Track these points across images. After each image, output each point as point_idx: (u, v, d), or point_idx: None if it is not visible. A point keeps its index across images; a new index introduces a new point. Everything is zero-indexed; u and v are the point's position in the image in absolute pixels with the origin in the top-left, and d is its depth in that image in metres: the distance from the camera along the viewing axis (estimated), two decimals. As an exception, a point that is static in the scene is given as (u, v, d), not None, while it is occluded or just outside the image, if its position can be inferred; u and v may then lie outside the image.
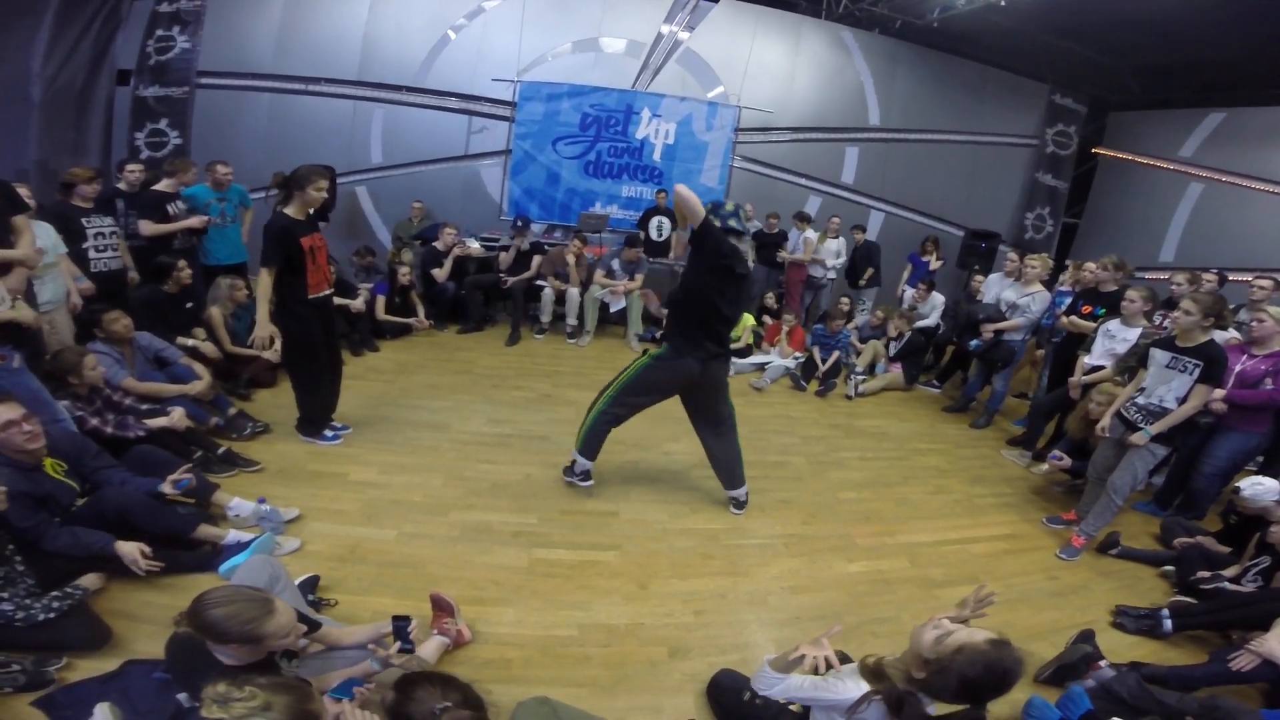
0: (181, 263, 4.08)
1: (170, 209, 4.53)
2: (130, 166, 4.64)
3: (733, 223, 2.98)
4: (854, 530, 3.47)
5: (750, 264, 3.17)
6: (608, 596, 2.70)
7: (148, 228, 4.41)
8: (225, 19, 6.72)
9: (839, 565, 3.13)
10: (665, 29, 7.31)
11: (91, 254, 4.05)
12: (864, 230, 7.47)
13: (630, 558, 2.98)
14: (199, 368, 3.66)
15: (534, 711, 1.84)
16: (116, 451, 2.77)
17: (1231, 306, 4.54)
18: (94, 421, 2.88)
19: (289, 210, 3.22)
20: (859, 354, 6.14)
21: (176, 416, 3.08)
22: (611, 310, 6.39)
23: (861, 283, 7.24)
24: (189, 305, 4.21)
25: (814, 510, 3.63)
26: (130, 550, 2.26)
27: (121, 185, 4.56)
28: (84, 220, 4.01)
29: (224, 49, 6.76)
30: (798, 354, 6.10)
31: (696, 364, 3.07)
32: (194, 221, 4.57)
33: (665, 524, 3.30)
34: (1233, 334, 3.86)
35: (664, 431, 4.20)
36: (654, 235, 7.25)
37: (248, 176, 5.94)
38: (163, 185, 4.59)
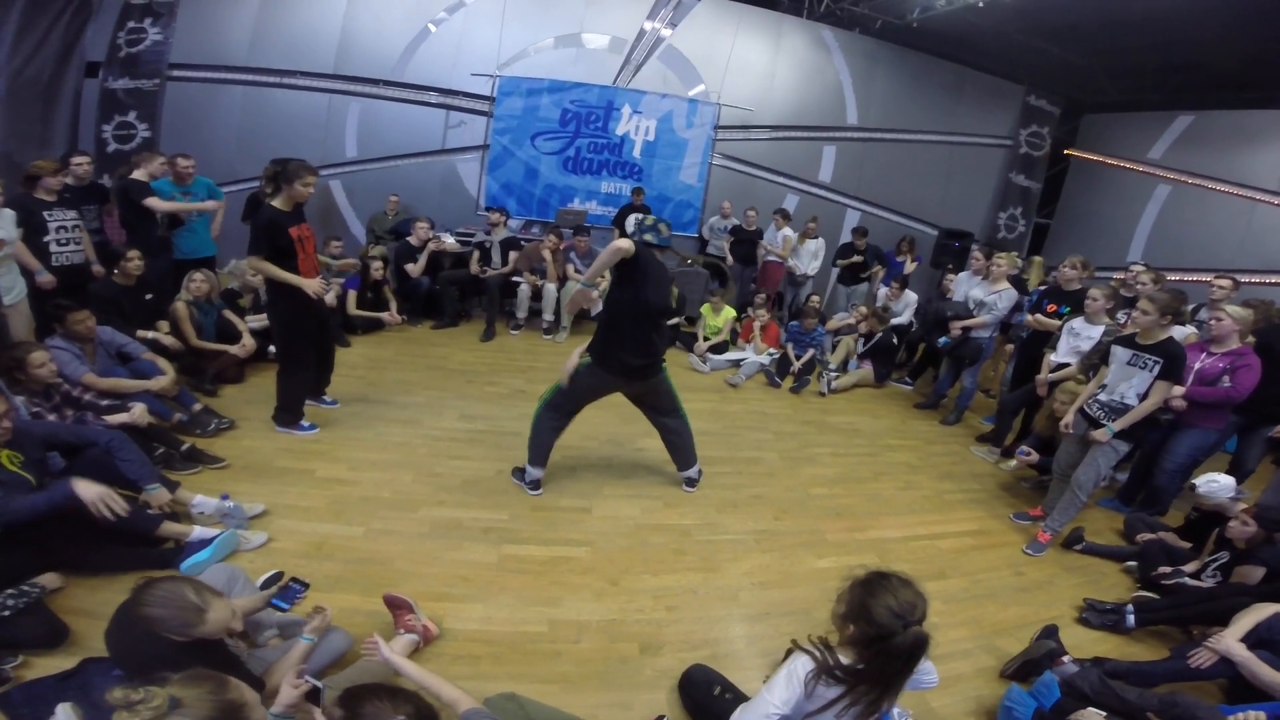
0: (132, 253, 3.99)
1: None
2: (77, 159, 4.51)
3: (649, 236, 3.13)
4: (825, 526, 3.50)
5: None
6: (579, 592, 2.69)
7: (157, 202, 4.46)
8: (199, 11, 6.58)
9: (809, 561, 3.15)
10: (648, 25, 7.30)
11: (53, 247, 3.99)
12: (864, 234, 7.56)
13: (602, 554, 2.98)
14: (163, 363, 3.59)
15: (502, 708, 1.82)
16: (75, 449, 2.70)
17: (1192, 306, 4.65)
18: (51, 418, 2.81)
19: (276, 203, 3.32)
20: (833, 350, 6.20)
21: (137, 412, 3.01)
22: (592, 315, 6.39)
23: (868, 276, 7.36)
24: (148, 297, 4.13)
25: (786, 506, 3.65)
26: (91, 492, 2.17)
27: (69, 180, 4.42)
28: (46, 213, 3.95)
29: (197, 41, 6.63)
30: (772, 350, 6.14)
31: (617, 376, 3.18)
32: (209, 205, 4.75)
33: (638, 519, 3.30)
34: (1190, 330, 3.95)
35: (637, 428, 4.17)
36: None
37: (220, 170, 5.86)
38: (137, 175, 4.57)
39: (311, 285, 3.38)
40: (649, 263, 3.02)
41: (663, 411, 3.49)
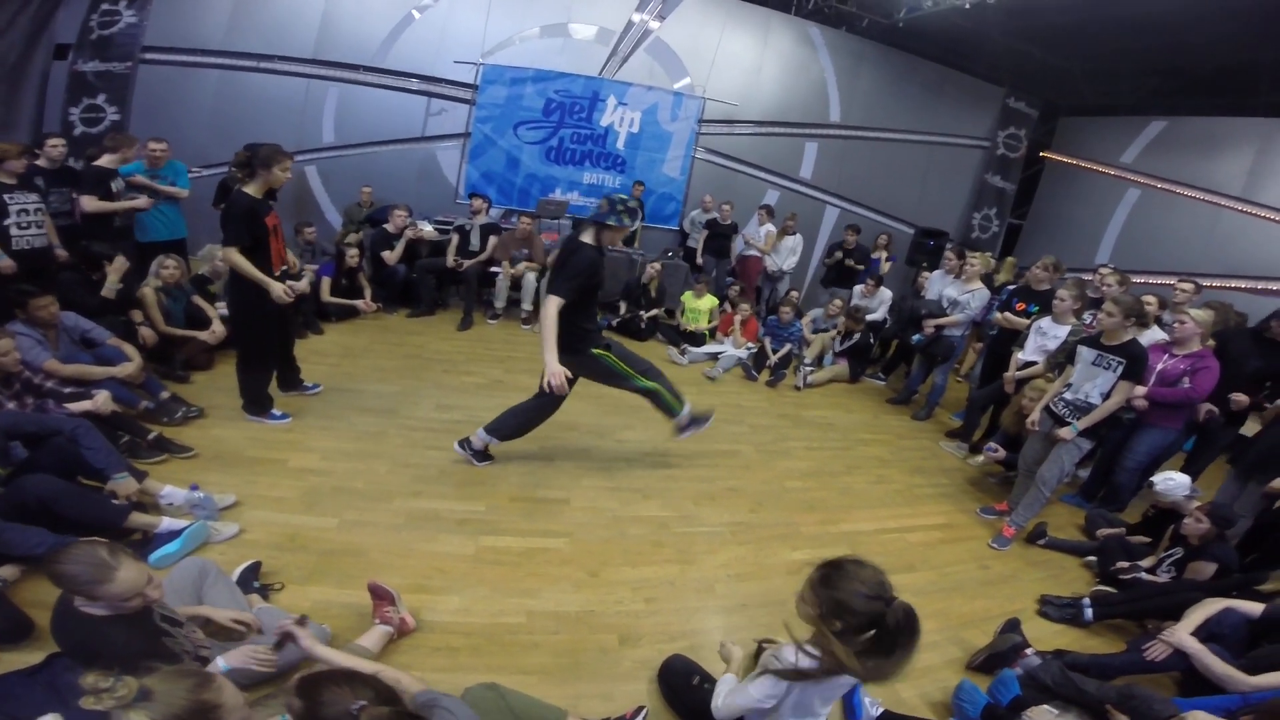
0: (119, 258, 3.94)
1: (113, 185, 4.44)
2: (51, 141, 4.43)
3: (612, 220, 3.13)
4: (799, 519, 3.55)
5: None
6: (557, 584, 2.70)
7: (90, 203, 4.34)
8: (177, -6, 6.41)
9: (784, 553, 3.20)
10: (636, 17, 7.27)
11: (14, 231, 3.87)
12: (857, 231, 7.39)
13: (581, 545, 2.98)
14: (129, 349, 3.49)
15: (482, 698, 1.81)
16: (39, 438, 2.63)
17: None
18: (10, 405, 2.72)
19: (250, 190, 3.23)
20: (809, 345, 6.28)
21: (101, 400, 2.92)
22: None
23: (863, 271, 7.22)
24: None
25: (761, 499, 3.70)
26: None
27: (42, 163, 4.34)
28: (6, 197, 3.82)
29: (173, 24, 6.44)
30: (750, 344, 6.19)
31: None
32: (140, 203, 4.57)
33: (617, 511, 3.32)
34: (1159, 334, 4.04)
35: (617, 420, 4.22)
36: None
37: (191, 154, 5.72)
38: (104, 161, 4.46)
39: (277, 290, 3.26)
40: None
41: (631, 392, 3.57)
